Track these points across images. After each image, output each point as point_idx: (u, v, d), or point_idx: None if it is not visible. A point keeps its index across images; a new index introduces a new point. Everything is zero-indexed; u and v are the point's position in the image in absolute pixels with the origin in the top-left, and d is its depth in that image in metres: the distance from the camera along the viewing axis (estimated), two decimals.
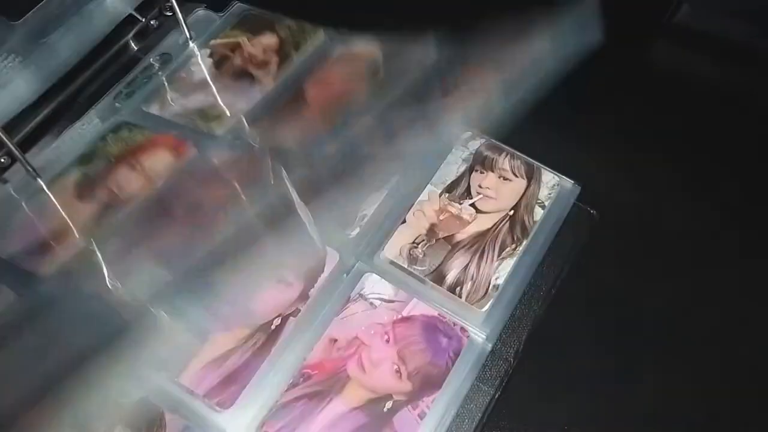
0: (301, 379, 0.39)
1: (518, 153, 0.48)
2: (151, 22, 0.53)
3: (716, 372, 0.45)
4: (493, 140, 0.49)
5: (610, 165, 0.53)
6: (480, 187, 0.47)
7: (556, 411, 0.43)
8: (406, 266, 0.43)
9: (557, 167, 0.48)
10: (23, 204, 0.44)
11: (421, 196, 0.46)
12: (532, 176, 0.47)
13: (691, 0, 0.58)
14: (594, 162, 0.53)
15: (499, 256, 0.44)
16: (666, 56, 0.61)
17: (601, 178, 0.51)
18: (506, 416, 0.42)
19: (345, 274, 0.43)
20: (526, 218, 0.45)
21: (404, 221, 0.45)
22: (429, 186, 0.47)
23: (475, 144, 0.49)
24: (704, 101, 0.56)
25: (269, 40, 0.52)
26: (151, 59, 0.50)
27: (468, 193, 0.46)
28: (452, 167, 0.47)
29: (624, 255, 0.48)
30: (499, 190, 0.47)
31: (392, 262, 0.44)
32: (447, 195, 0.46)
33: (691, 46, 0.60)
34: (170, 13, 0.53)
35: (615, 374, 0.44)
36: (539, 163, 0.48)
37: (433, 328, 0.42)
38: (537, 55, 0.50)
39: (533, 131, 0.53)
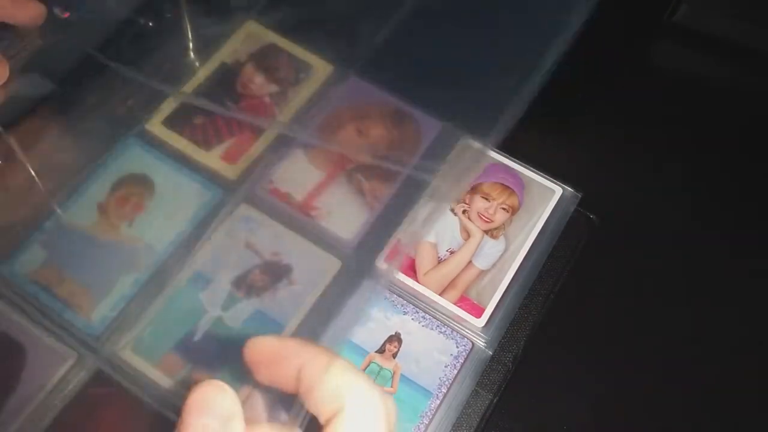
0: None
1: None
2: (150, 24, 0.53)
3: (716, 373, 0.45)
4: None
5: (609, 167, 0.53)
6: None
7: (554, 414, 0.43)
8: None
9: (556, 170, 0.49)
10: None
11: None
12: None
13: (690, 0, 0.57)
14: (593, 164, 0.53)
15: None
16: (666, 56, 0.60)
17: (601, 181, 0.51)
18: (506, 419, 0.43)
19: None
20: None
21: None
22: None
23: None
24: (704, 101, 0.56)
25: None
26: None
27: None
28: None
29: (623, 259, 0.49)
30: None
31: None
32: None
33: (691, 46, 0.60)
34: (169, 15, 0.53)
35: (614, 378, 0.45)
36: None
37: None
38: None
39: (532, 135, 0.53)
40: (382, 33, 0.57)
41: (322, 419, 0.24)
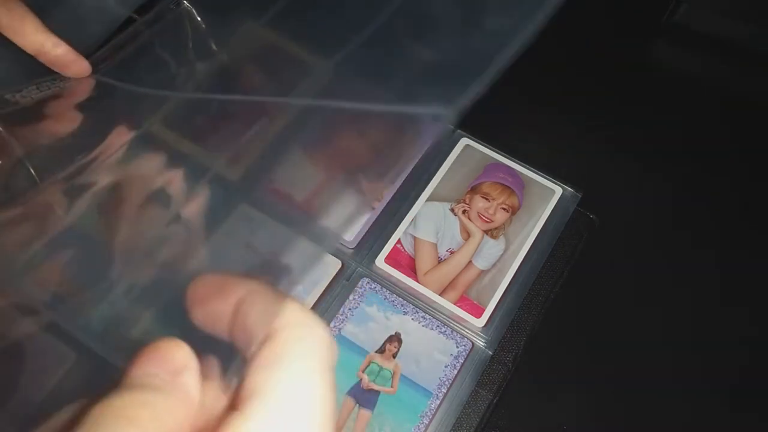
0: None
1: None
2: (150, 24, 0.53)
3: (717, 372, 0.45)
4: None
5: (609, 167, 0.53)
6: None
7: (554, 414, 0.43)
8: None
9: (556, 170, 0.49)
10: None
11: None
12: None
13: (690, 0, 0.57)
14: (593, 164, 0.53)
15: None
16: (665, 56, 0.60)
17: (601, 181, 0.51)
18: (505, 418, 0.43)
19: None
20: None
21: None
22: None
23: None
24: (703, 102, 0.56)
25: None
26: None
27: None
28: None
29: (623, 259, 0.49)
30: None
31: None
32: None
33: (690, 46, 0.60)
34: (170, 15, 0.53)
35: (613, 378, 0.44)
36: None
37: None
38: None
39: (532, 135, 0.53)
40: (382, 33, 0.57)
41: (252, 348, 0.20)
